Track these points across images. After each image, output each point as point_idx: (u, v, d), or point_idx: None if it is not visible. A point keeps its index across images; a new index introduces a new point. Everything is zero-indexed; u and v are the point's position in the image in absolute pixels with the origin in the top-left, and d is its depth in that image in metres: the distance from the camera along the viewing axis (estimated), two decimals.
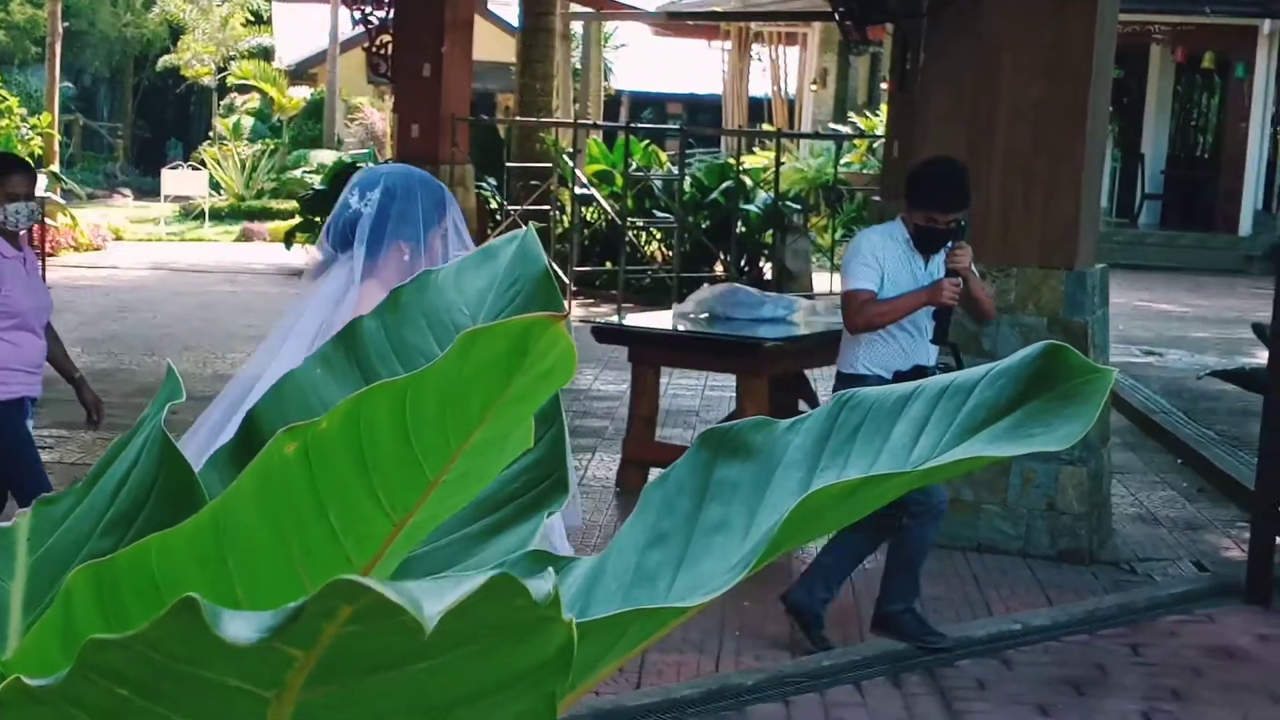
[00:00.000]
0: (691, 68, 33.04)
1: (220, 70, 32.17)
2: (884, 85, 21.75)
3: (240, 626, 0.89)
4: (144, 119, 38.17)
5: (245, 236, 23.28)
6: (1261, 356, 7.74)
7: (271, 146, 28.05)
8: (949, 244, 5.70)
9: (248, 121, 30.13)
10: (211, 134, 30.35)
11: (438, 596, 0.85)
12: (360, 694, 0.96)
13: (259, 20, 34.62)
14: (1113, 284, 8.21)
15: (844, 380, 5.90)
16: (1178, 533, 7.82)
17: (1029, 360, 1.36)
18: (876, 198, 12.79)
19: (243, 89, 31.39)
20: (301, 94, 30.91)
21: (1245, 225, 22.96)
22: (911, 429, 1.37)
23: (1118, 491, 8.24)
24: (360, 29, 14.72)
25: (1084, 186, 7.24)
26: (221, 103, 32.16)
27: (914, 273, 5.77)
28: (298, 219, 19.01)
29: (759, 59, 30.21)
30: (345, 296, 3.51)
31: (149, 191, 28.44)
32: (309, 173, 25.18)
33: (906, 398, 1.39)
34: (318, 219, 15.89)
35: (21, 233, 5.63)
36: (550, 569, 0.98)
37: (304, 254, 16.37)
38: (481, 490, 1.22)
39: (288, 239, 18.64)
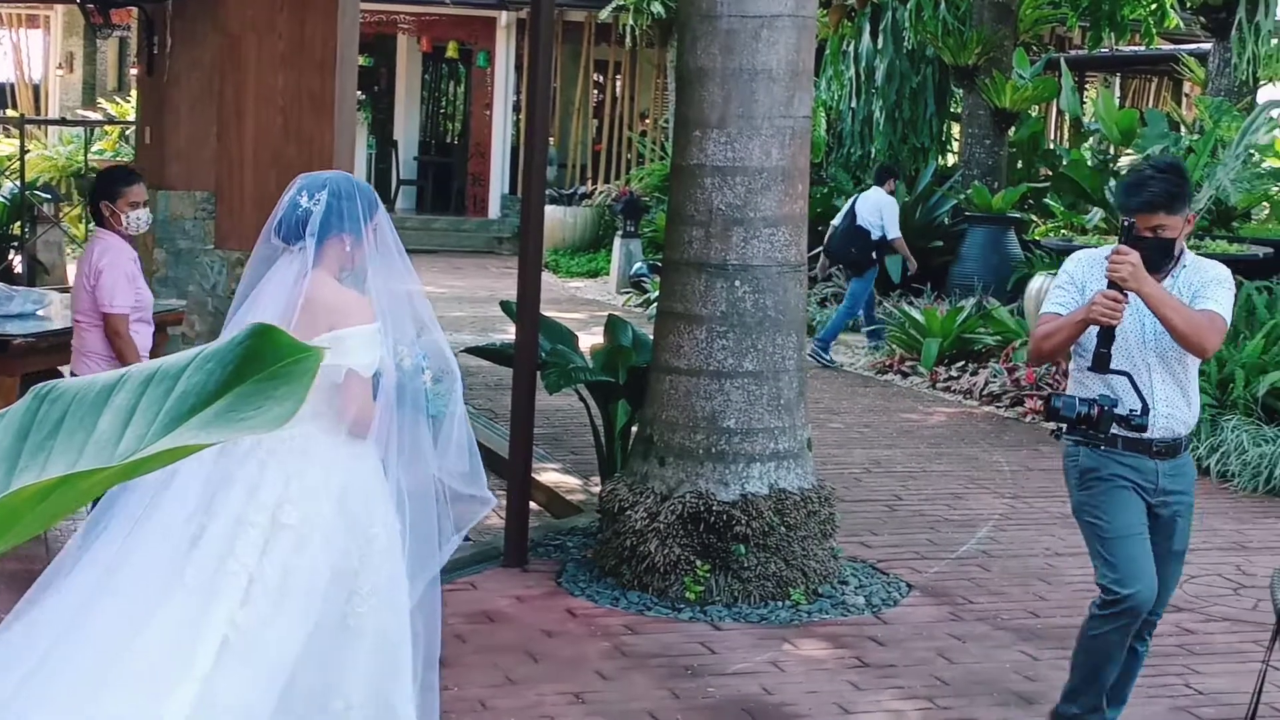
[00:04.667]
0: None
1: None
2: (134, 70, 21.10)
3: None
4: None
5: None
6: (511, 332, 8.17)
7: None
8: (1164, 257, 4.65)
9: None
10: None
11: None
12: None
13: None
14: None
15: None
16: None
17: (238, 342, 1.35)
18: None
19: None
20: None
21: (494, 208, 24.16)
22: (118, 420, 1.32)
23: None
24: None
25: None
26: None
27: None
28: None
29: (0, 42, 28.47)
30: (300, 281, 4.18)
31: None
32: None
33: (112, 387, 1.34)
34: None
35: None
36: None
37: None
38: None
39: None
